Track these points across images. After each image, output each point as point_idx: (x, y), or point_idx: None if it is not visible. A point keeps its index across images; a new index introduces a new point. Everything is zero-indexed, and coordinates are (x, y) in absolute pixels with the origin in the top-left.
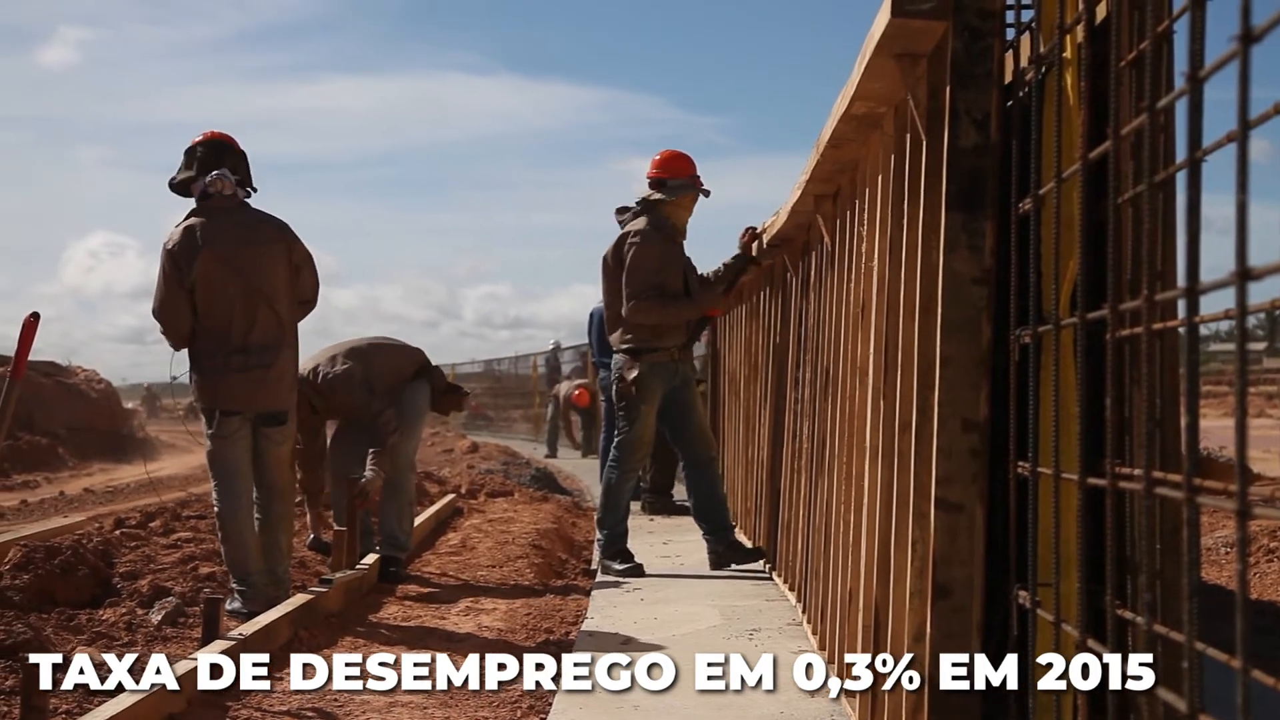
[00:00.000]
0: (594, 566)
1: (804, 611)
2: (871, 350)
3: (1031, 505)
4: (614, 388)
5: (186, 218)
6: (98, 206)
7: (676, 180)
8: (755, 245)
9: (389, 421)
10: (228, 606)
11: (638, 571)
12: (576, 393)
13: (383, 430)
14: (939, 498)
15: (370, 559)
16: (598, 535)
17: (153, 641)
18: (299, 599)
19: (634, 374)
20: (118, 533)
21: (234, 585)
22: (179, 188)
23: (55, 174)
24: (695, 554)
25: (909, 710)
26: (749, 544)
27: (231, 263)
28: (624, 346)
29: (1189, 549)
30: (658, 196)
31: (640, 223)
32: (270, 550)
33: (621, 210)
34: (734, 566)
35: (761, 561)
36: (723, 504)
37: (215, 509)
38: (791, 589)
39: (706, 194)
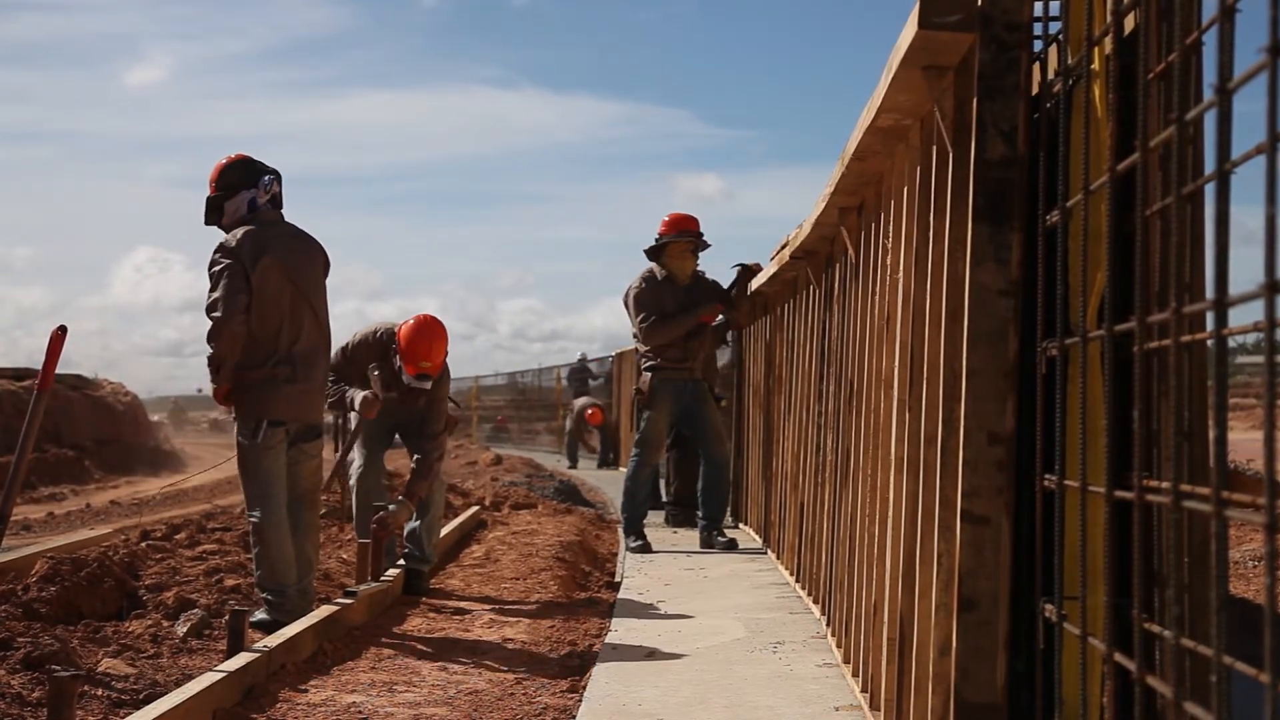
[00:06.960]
0: (618, 579)
1: (828, 624)
2: (896, 362)
3: (1058, 518)
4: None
5: (240, 229)
6: (141, 221)
7: (664, 237)
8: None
9: (441, 447)
10: (252, 618)
11: (646, 549)
12: (590, 412)
13: (433, 451)
14: (964, 510)
15: (394, 572)
16: (621, 517)
17: (178, 654)
18: (323, 611)
19: (646, 385)
20: (144, 545)
21: (265, 596)
22: (213, 213)
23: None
24: (719, 567)
25: None
26: (729, 537)
27: (285, 268)
28: (642, 364)
29: (1217, 562)
30: (652, 247)
31: (642, 271)
32: (300, 561)
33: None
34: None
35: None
36: (723, 499)
37: (254, 520)
38: (816, 602)
39: (705, 246)
